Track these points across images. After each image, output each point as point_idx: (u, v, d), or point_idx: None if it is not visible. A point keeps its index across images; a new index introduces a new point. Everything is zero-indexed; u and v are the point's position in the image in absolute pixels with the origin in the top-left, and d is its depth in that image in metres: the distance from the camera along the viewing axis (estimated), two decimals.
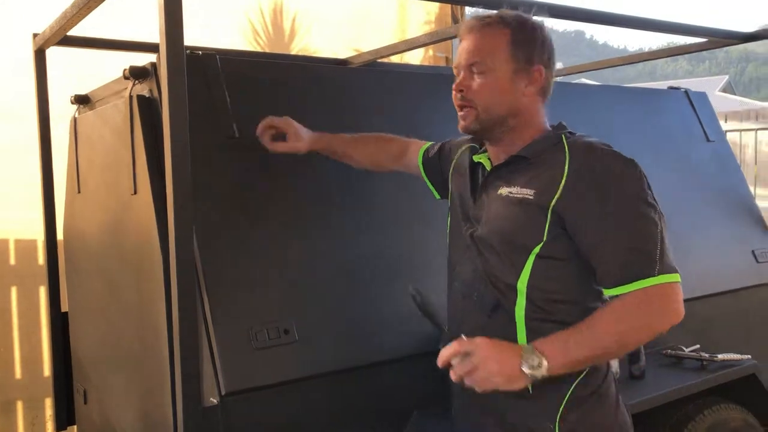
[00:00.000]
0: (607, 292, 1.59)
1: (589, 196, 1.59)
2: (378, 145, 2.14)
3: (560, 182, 1.61)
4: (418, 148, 2.11)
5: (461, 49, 1.76)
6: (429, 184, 2.09)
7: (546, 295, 1.65)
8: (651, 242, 1.55)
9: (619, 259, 1.55)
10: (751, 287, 2.93)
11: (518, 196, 1.66)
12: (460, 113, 1.76)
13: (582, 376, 1.65)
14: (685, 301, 2.64)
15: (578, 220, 1.59)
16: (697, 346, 2.57)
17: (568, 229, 1.61)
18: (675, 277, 1.54)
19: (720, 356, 2.42)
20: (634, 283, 1.53)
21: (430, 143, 2.10)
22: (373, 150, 2.13)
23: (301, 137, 2.07)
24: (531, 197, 1.64)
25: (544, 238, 1.62)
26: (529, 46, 1.71)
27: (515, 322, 1.67)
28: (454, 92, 1.77)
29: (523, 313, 1.66)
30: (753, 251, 3.01)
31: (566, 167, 1.63)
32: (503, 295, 1.68)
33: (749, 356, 2.47)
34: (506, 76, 1.70)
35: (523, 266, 1.65)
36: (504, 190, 1.70)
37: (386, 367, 2.00)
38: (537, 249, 1.63)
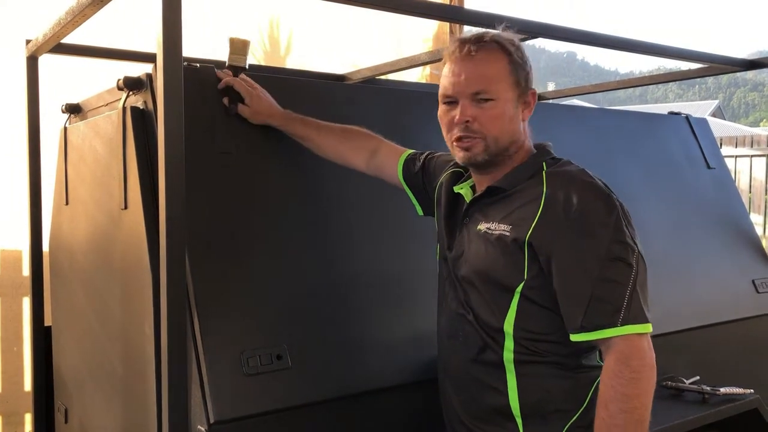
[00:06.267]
0: (572, 337, 1.53)
1: (560, 232, 1.52)
2: (345, 136, 2.03)
3: (536, 215, 1.55)
4: (394, 155, 2.01)
5: (455, 75, 1.63)
6: (413, 198, 2.01)
7: (534, 336, 1.59)
8: (618, 289, 1.48)
9: (582, 305, 1.49)
10: (751, 318, 2.88)
11: (496, 232, 1.61)
12: (462, 144, 1.64)
13: (575, 418, 1.60)
14: (685, 331, 2.67)
15: (549, 255, 1.53)
16: (697, 377, 2.52)
17: (542, 263, 1.55)
18: (642, 328, 1.47)
19: (722, 390, 2.36)
20: (596, 332, 1.48)
21: (410, 153, 2.00)
22: (337, 140, 2.02)
23: (261, 103, 1.99)
24: (507, 233, 1.58)
25: (525, 276, 1.57)
26: (524, 69, 1.65)
27: (503, 366, 1.61)
28: (453, 124, 1.65)
29: (512, 356, 1.60)
30: (753, 281, 2.97)
31: (542, 200, 1.56)
32: (490, 337, 1.63)
33: (752, 390, 2.42)
34: (512, 103, 1.64)
35: (508, 307, 1.59)
36: (482, 226, 1.65)
37: (382, 395, 1.92)
38: (520, 288, 1.58)
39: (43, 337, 2.74)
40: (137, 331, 1.93)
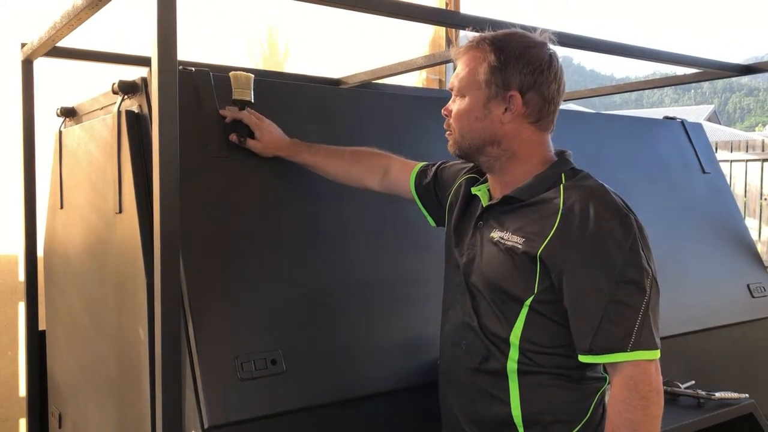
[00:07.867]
0: (580, 358, 1.51)
1: (574, 250, 1.49)
2: (354, 159, 2.02)
3: (550, 231, 1.52)
4: (406, 171, 2.00)
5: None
6: (424, 211, 2.01)
7: (540, 348, 1.57)
8: (630, 312, 1.45)
9: (592, 327, 1.46)
10: (746, 322, 2.89)
11: (508, 243, 1.58)
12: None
13: (577, 429, 1.58)
14: (680, 335, 2.67)
15: (561, 272, 1.51)
16: (693, 382, 2.52)
17: (553, 279, 1.52)
18: (651, 354, 1.45)
19: (717, 394, 2.36)
20: (605, 356, 1.46)
21: (422, 165, 2.00)
22: (347, 164, 2.02)
23: (270, 136, 1.99)
24: (520, 246, 1.56)
25: (536, 290, 1.54)
26: (507, 69, 1.59)
27: (506, 375, 1.60)
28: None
29: (515, 366, 1.58)
30: (748, 285, 2.97)
31: (558, 215, 1.53)
32: (495, 346, 1.61)
33: (747, 395, 2.42)
34: (479, 102, 1.62)
35: (516, 318, 1.57)
36: (496, 234, 1.63)
37: (377, 400, 1.92)
38: (529, 301, 1.55)
39: (37, 342, 2.74)
40: (131, 336, 1.92)
